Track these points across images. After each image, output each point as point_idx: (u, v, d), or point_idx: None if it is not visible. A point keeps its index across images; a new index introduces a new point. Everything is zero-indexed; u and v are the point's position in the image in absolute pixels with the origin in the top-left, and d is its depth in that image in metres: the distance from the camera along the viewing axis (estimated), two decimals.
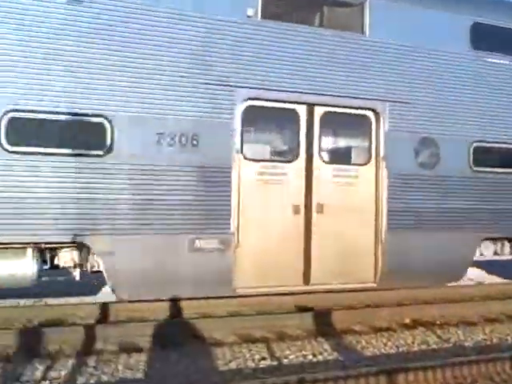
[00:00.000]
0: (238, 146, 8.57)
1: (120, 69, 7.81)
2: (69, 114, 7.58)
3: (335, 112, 9.26)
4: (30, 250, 7.64)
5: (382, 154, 9.41)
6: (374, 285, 9.58)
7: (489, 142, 10.02)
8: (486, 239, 10.20)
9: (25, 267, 7.64)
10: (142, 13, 7.97)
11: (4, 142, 7.31)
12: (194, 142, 8.21)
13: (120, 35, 7.84)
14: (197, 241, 8.33)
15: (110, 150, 7.79)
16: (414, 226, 9.49)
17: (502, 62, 10.11)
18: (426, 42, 9.55)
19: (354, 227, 9.34)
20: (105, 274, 7.95)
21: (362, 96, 9.21)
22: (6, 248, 7.54)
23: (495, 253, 10.51)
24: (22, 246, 7.58)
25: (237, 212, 8.56)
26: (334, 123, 9.72)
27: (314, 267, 9.13)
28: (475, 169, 9.88)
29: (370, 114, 9.43)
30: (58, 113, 7.54)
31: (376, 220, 9.44)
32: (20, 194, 7.33)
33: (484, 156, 9.93)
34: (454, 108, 9.78)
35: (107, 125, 7.77)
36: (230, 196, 8.49)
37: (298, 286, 9.26)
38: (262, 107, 8.88)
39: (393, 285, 9.73)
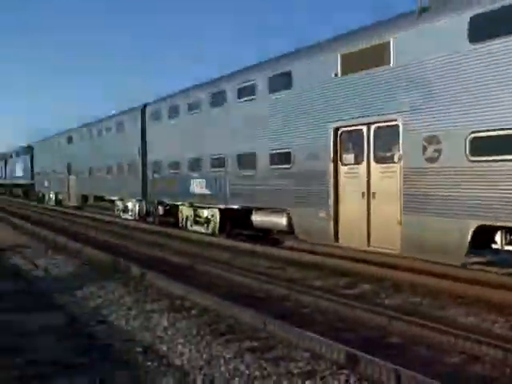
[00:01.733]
0: (332, 156, 15.13)
1: None
2: None
3: (380, 126, 13.77)
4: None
5: (401, 153, 13.12)
6: (398, 252, 13.24)
7: None
8: None
9: None
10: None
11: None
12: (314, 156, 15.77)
13: None
14: (319, 212, 15.47)
15: None
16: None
17: None
18: None
19: (390, 208, 13.33)
20: None
21: (392, 112, 13.29)
22: None
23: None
24: None
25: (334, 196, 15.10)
26: (380, 134, 13.86)
27: (372, 235, 13.93)
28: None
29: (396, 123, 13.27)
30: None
31: (399, 203, 13.06)
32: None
33: None
34: None
35: None
36: (329, 187, 15.22)
37: (364, 247, 14.31)
38: (345, 130, 14.87)
39: (409, 254, 13.13)
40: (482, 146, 11.15)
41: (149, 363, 7.23)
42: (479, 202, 11.21)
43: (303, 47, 17.01)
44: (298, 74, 16.40)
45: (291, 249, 17.74)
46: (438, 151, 12.10)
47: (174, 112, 24.25)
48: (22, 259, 16.51)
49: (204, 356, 7.48)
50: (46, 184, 49.05)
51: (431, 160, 12.28)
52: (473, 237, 11.35)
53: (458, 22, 11.62)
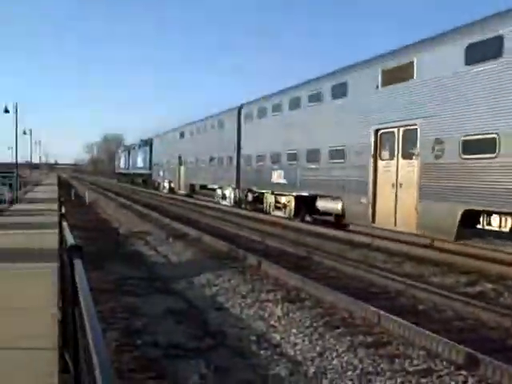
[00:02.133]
0: (373, 152, 18.61)
1: None
2: None
3: (407, 129, 17.08)
4: None
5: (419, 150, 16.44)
6: (415, 231, 16.44)
7: None
8: None
9: None
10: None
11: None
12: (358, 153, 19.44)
13: None
14: (361, 198, 19.01)
15: None
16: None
17: None
18: None
19: (410, 196, 16.61)
20: None
21: (414, 117, 16.68)
22: None
23: None
24: None
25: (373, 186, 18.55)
26: (406, 136, 17.15)
27: (398, 218, 17.28)
28: None
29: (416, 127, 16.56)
30: None
31: (416, 192, 16.34)
32: None
33: None
34: None
35: None
36: (368, 177, 18.73)
37: (391, 227, 17.71)
38: (382, 132, 18.30)
39: (421, 233, 16.37)
40: (469, 147, 14.34)
41: (262, 352, 7.35)
42: (472, 189, 14.26)
43: (356, 62, 20.81)
44: (351, 84, 20.19)
45: (406, 243, 17.30)
46: (442, 150, 15.27)
47: (261, 113, 28.71)
48: (145, 245, 17.31)
49: (317, 348, 7.49)
50: (161, 174, 55.16)
51: (437, 157, 15.49)
52: (462, 218, 14.51)
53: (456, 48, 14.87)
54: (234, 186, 32.71)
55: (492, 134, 13.50)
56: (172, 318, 8.87)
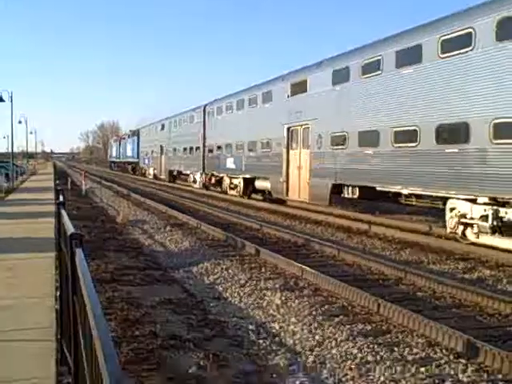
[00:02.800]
0: (286, 144, 24.95)
1: None
2: None
3: (304, 127, 23.29)
4: None
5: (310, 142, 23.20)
6: (308, 201, 23.24)
7: None
8: None
9: None
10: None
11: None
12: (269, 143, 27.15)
13: None
14: (279, 178, 25.21)
15: None
16: None
17: None
18: None
19: (306, 175, 22.91)
20: None
21: (308, 119, 23.06)
22: None
23: None
24: None
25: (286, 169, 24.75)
26: (304, 132, 23.38)
27: (300, 192, 23.70)
28: None
29: None
30: None
31: (308, 172, 22.89)
32: None
33: None
34: None
35: None
36: (283, 162, 25.05)
37: (297, 198, 24.23)
38: (292, 130, 24.50)
39: (311, 202, 23.05)
40: (334, 141, 20.85)
41: (261, 341, 7.32)
42: (336, 169, 20.59)
43: (277, 76, 27.39)
44: (274, 92, 26.52)
45: (402, 230, 17.29)
46: (321, 142, 21.69)
47: (219, 111, 34.94)
48: (142, 234, 17.27)
49: (316, 337, 7.46)
50: (146, 162, 62.20)
51: (319, 148, 21.88)
52: (332, 189, 20.73)
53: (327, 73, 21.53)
54: (201, 171, 39.22)
55: (344, 132, 20.04)
56: (171, 308, 8.82)
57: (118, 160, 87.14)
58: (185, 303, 9.14)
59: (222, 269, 11.82)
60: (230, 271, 11.59)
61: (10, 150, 52.25)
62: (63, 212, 6.87)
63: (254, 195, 30.63)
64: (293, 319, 8.27)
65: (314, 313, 8.54)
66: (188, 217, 20.58)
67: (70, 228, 5.12)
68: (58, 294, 6.84)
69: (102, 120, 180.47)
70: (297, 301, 9.23)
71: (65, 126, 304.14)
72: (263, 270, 11.73)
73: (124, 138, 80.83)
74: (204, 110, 38.28)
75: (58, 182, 33.87)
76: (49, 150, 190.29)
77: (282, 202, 26.96)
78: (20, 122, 57.88)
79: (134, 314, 8.33)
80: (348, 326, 7.83)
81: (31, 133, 79.20)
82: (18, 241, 13.49)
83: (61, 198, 9.98)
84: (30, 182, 46.09)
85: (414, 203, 18.00)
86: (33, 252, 11.73)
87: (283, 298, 9.38)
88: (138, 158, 67.43)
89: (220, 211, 23.44)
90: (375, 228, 17.85)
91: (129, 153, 73.98)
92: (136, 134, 69.06)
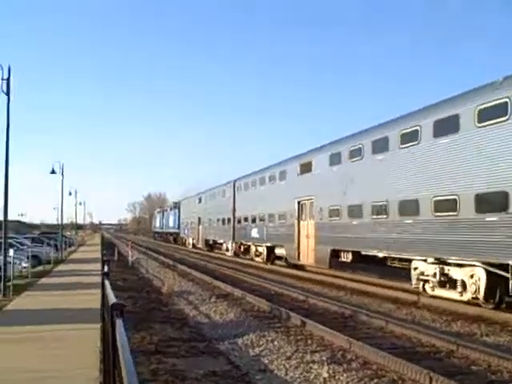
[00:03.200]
0: (297, 216, 29.29)
1: None
2: None
3: (310, 201, 27.75)
4: None
5: (314, 214, 27.45)
6: (314, 264, 27.22)
7: None
8: None
9: None
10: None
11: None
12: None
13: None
14: (293, 245, 29.79)
15: None
16: None
17: None
18: None
19: (312, 243, 27.19)
20: None
21: (311, 194, 27.54)
22: None
23: None
24: None
25: (297, 237, 29.45)
26: (310, 205, 27.68)
27: (308, 256, 27.85)
28: None
29: None
30: None
31: (314, 240, 27.06)
32: None
33: None
34: None
35: None
36: (295, 232, 29.63)
37: (306, 262, 28.69)
38: (301, 203, 28.97)
39: (317, 266, 27.33)
40: (330, 214, 24.83)
41: None
42: (333, 237, 24.04)
43: (289, 158, 32.54)
44: (288, 171, 31.31)
45: (454, 301, 16.76)
46: (322, 214, 25.41)
47: (246, 187, 39.75)
48: (188, 305, 17.19)
49: None
50: (186, 232, 67.52)
51: (320, 218, 25.69)
52: (331, 254, 24.24)
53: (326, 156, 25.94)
54: (231, 240, 43.48)
55: (337, 206, 23.78)
56: (216, 380, 8.64)
57: (161, 230, 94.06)
58: (230, 375, 8.95)
59: (267, 340, 11.59)
60: (275, 343, 11.36)
61: (59, 222, 53.49)
62: (107, 283, 6.92)
63: (277, 261, 33.68)
64: None
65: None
66: (231, 287, 20.41)
67: (111, 298, 5.14)
68: (102, 366, 6.81)
69: (149, 191, 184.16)
70: (345, 374, 8.92)
71: (113, 198, 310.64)
72: (309, 341, 11.45)
73: (166, 210, 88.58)
74: (234, 185, 42.72)
75: (104, 252, 34.34)
76: (97, 221, 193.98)
77: (299, 267, 29.94)
78: (70, 194, 59.43)
79: None
80: None
81: (80, 204, 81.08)
82: (65, 312, 13.61)
83: (105, 269, 10.11)
84: (78, 253, 46.90)
85: (394, 265, 20.63)
86: (79, 323, 11.80)
87: (331, 371, 9.09)
88: (178, 228, 73.03)
89: (264, 281, 23.19)
90: (424, 299, 17.35)
91: (171, 224, 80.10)
92: (177, 206, 75.33)
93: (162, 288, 21.69)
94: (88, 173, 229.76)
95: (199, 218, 56.87)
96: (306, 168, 27.83)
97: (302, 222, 28.41)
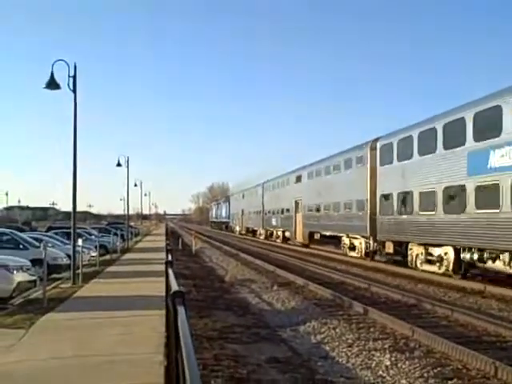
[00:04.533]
0: (294, 210, 45.17)
1: None
2: None
3: (299, 200, 43.83)
4: None
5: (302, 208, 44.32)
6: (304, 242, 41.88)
7: None
8: None
9: None
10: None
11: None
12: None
13: None
14: (285, 232, 49.38)
15: None
16: None
17: None
18: None
19: (303, 227, 42.56)
20: None
21: (299, 196, 43.73)
22: None
23: None
24: None
25: (294, 224, 45.39)
26: (300, 203, 43.74)
27: (303, 237, 42.82)
28: None
29: None
30: None
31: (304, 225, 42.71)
32: None
33: None
34: None
35: None
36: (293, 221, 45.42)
37: (301, 241, 43.70)
38: (296, 202, 44.12)
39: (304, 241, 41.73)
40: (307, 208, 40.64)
41: None
42: (310, 224, 39.54)
43: (292, 170, 47.43)
44: (290, 180, 46.78)
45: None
46: (305, 209, 41.10)
47: (267, 188, 56.24)
48: (250, 293, 17.37)
49: None
50: (234, 221, 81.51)
51: (305, 212, 41.13)
52: (308, 235, 40.13)
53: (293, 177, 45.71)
54: (261, 227, 58.81)
55: (314, 204, 37.81)
56: (277, 366, 8.74)
57: (216, 220, 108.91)
58: (291, 362, 9.03)
59: (329, 328, 11.61)
60: (337, 330, 11.37)
61: (125, 212, 54.86)
62: (170, 271, 7.10)
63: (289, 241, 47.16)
64: (403, 381, 7.94)
65: (425, 375, 8.16)
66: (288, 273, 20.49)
67: (174, 286, 5.27)
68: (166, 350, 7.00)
69: (213, 181, 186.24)
70: (407, 362, 8.86)
71: (177, 189, 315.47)
72: (371, 330, 11.39)
73: (220, 203, 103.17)
74: (263, 186, 58.41)
75: (168, 242, 35.04)
76: (162, 212, 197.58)
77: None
78: (135, 185, 60.73)
79: (240, 372, 8.32)
80: None
81: (145, 195, 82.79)
82: (131, 298, 14.01)
83: (169, 258, 10.35)
84: (143, 243, 47.99)
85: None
86: (146, 309, 12.12)
87: (393, 359, 9.04)
88: (229, 218, 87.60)
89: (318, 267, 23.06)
90: (490, 288, 16.93)
91: (224, 214, 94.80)
92: (227, 199, 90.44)
93: (224, 276, 21.98)
94: (153, 164, 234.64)
95: (242, 210, 71.67)
96: (298, 179, 42.74)
97: (297, 214, 42.53)
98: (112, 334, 9.75)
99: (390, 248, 25.09)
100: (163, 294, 11.94)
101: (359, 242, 29.51)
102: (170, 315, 5.39)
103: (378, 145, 25.96)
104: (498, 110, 16.79)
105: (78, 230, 23.93)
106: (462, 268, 19.77)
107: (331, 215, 33.61)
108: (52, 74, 17.25)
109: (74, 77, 17.80)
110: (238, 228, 76.92)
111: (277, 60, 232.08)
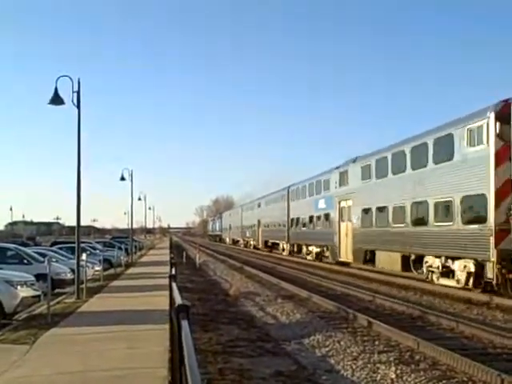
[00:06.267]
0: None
1: None
2: None
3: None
4: None
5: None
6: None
7: None
8: None
9: None
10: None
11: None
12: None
13: None
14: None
15: None
16: None
17: None
18: None
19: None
20: None
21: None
22: None
23: None
24: None
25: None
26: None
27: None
28: None
29: None
30: None
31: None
32: None
33: None
34: None
35: None
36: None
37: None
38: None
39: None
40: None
41: None
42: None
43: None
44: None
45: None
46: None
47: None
48: (254, 306, 17.33)
49: None
50: (225, 234, 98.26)
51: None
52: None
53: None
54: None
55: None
56: (282, 380, 8.70)
57: (212, 233, 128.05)
58: (296, 375, 8.99)
59: (333, 341, 11.57)
60: (341, 343, 11.32)
61: (129, 226, 54.90)
62: (174, 285, 7.10)
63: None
64: None
65: None
66: (293, 286, 20.43)
67: (177, 300, 5.28)
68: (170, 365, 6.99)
69: (217, 195, 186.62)
70: (413, 375, 8.80)
71: (181, 202, 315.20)
72: (376, 342, 11.34)
73: (214, 219, 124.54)
74: (241, 208, 70.46)
75: (172, 256, 35.04)
76: (166, 225, 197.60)
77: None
78: (139, 199, 60.83)
79: None
80: None
81: (149, 209, 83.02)
82: (136, 313, 14.00)
83: (173, 272, 10.35)
84: (147, 257, 48.03)
85: None
86: (150, 324, 12.11)
87: (398, 372, 8.99)
88: (221, 231, 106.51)
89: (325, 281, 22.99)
90: (497, 299, 16.85)
91: (217, 228, 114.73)
92: (220, 217, 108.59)
93: (229, 289, 21.95)
94: (157, 178, 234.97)
95: (230, 225, 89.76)
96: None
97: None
98: (116, 348, 9.74)
99: None
100: (167, 307, 11.95)
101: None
102: (174, 329, 5.39)
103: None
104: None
105: (83, 245, 24.00)
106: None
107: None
108: (56, 90, 17.36)
109: (78, 92, 17.92)
110: (227, 240, 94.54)
111: (276, 71, 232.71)
